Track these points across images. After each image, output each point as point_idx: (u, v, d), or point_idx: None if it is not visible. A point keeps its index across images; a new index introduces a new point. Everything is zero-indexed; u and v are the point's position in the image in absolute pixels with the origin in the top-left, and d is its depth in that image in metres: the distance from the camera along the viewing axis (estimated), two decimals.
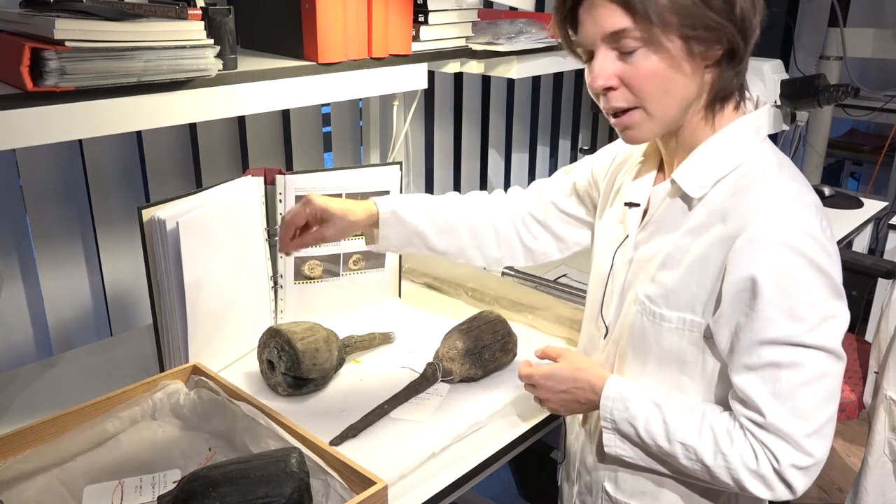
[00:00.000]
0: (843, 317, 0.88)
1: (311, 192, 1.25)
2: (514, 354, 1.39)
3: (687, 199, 0.94)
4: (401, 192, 1.57)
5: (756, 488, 0.88)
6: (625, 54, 0.87)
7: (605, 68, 0.88)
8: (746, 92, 0.95)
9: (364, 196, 1.52)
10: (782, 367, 0.86)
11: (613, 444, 0.99)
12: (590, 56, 0.91)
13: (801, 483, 0.87)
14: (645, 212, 1.02)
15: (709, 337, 0.92)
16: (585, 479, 1.13)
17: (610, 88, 0.89)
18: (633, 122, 0.91)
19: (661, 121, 0.91)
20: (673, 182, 0.95)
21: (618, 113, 0.91)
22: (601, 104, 0.92)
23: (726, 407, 0.93)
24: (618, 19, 0.85)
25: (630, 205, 1.03)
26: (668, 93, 0.88)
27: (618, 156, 1.14)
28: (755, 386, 0.87)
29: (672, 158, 0.98)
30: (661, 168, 1.04)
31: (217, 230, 1.31)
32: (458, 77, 2.30)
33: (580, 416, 1.15)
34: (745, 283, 0.86)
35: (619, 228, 1.07)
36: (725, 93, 0.91)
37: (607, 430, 0.98)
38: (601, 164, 1.17)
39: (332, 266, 1.57)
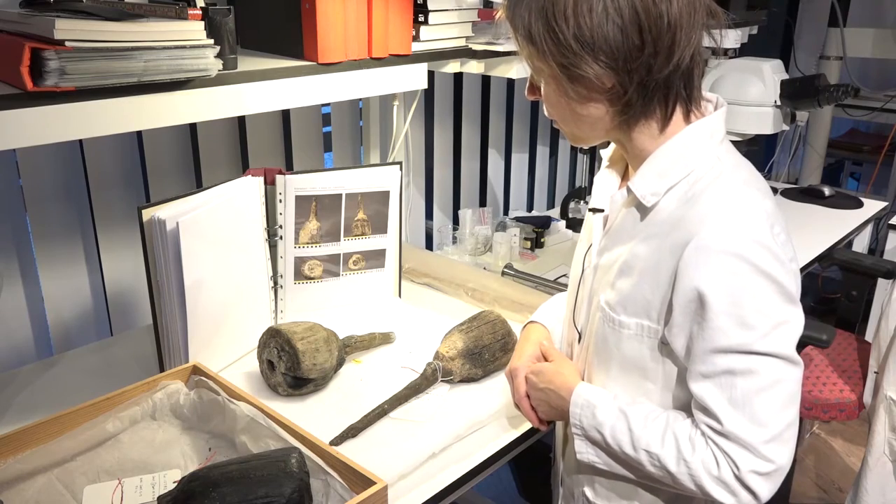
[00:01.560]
0: (796, 322, 0.88)
1: (515, 369, 1.14)
2: None
3: (641, 208, 0.94)
4: (400, 192, 1.57)
5: (719, 494, 0.88)
6: (534, 76, 0.95)
7: (528, 84, 0.98)
8: (705, 95, 0.95)
9: (364, 195, 1.53)
10: (737, 374, 0.86)
11: (584, 451, 0.99)
12: None
13: (765, 489, 0.87)
14: (609, 218, 1.02)
15: (666, 343, 0.93)
16: (567, 483, 1.13)
17: (538, 99, 0.97)
18: (560, 128, 0.98)
19: (575, 136, 0.97)
20: (629, 190, 0.95)
21: None
22: None
23: (690, 412, 0.94)
24: (516, 44, 0.93)
25: (594, 210, 1.04)
26: (565, 115, 0.94)
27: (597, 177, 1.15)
28: (712, 393, 0.88)
29: (631, 166, 0.99)
30: (625, 175, 1.05)
31: (217, 230, 1.31)
32: (458, 77, 2.30)
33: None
34: (693, 293, 0.86)
35: (589, 234, 1.08)
36: (635, 116, 0.91)
37: (578, 437, 0.99)
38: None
39: (332, 266, 1.57)
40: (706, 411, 0.89)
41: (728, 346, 0.86)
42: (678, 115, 0.92)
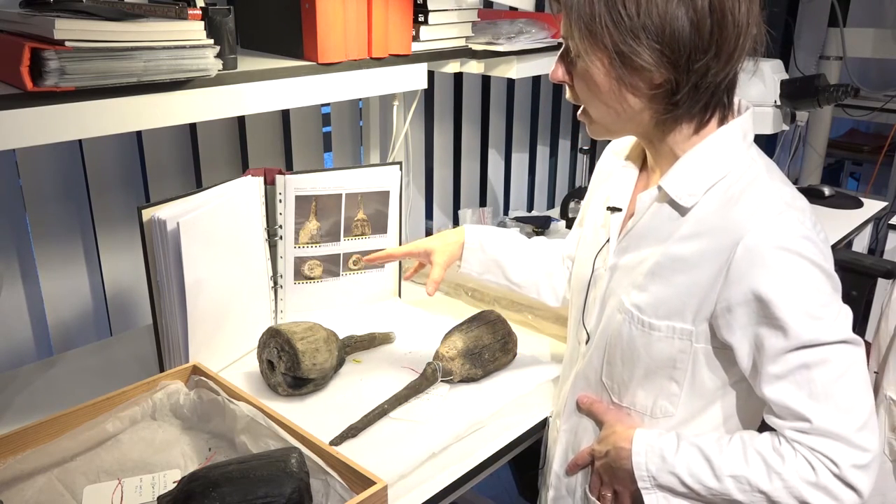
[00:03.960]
0: (847, 308, 0.89)
1: (411, 244, 1.30)
2: (514, 354, 1.39)
3: (677, 207, 0.93)
4: (400, 192, 1.57)
5: (822, 500, 0.84)
6: (574, 57, 0.90)
7: (557, 65, 0.93)
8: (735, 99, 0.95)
9: (364, 195, 1.53)
10: (812, 367, 0.85)
11: (656, 502, 0.94)
12: None
13: (865, 483, 0.84)
14: (630, 216, 1.01)
15: (699, 343, 0.92)
16: (565, 482, 1.12)
17: (565, 83, 0.94)
18: (584, 117, 0.95)
19: (603, 125, 0.94)
20: (660, 189, 0.94)
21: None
22: None
23: (711, 422, 0.94)
24: (564, 23, 0.89)
25: (612, 209, 1.02)
26: (603, 103, 0.91)
27: (604, 167, 1.14)
28: (791, 393, 0.86)
29: (656, 164, 0.98)
30: (643, 169, 1.03)
31: (217, 230, 1.31)
32: (458, 77, 2.30)
33: (557, 421, 1.14)
34: (752, 293, 0.86)
35: (600, 233, 1.06)
36: (675, 118, 0.90)
37: (648, 491, 0.94)
38: (592, 185, 1.18)
39: (332, 266, 1.57)
40: (789, 413, 0.86)
41: (802, 342, 0.85)
42: (713, 120, 0.92)
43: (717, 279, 0.88)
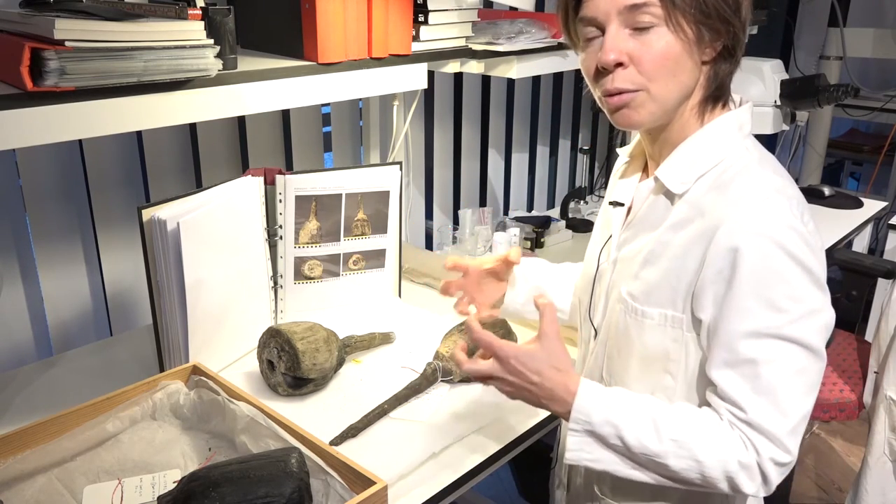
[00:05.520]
0: (827, 313, 0.87)
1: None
2: None
3: (670, 196, 0.94)
4: (400, 192, 1.57)
5: (743, 481, 0.86)
6: (638, 31, 0.86)
7: (617, 43, 0.86)
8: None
9: (364, 195, 1.53)
10: (760, 363, 0.85)
11: (578, 449, 0.91)
12: (594, 34, 0.89)
13: (777, 479, 0.87)
14: (629, 212, 1.02)
15: (689, 331, 0.92)
16: (578, 483, 1.12)
17: (619, 65, 0.87)
18: (634, 102, 0.89)
19: (661, 105, 0.89)
20: (656, 179, 0.95)
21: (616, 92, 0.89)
22: (602, 86, 0.90)
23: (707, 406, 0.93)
24: None
25: (614, 204, 1.03)
26: (675, 76, 0.87)
27: (615, 173, 1.15)
28: (734, 382, 0.87)
29: (656, 156, 0.98)
30: (645, 169, 1.04)
31: (217, 230, 1.31)
32: (458, 77, 2.30)
33: None
34: (722, 275, 0.86)
35: (604, 229, 1.07)
36: (720, 91, 0.92)
37: (576, 434, 0.90)
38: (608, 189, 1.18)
39: (332, 266, 1.57)
40: (729, 399, 0.87)
41: (754, 330, 0.85)
42: (719, 104, 0.94)
43: (701, 263, 0.88)
